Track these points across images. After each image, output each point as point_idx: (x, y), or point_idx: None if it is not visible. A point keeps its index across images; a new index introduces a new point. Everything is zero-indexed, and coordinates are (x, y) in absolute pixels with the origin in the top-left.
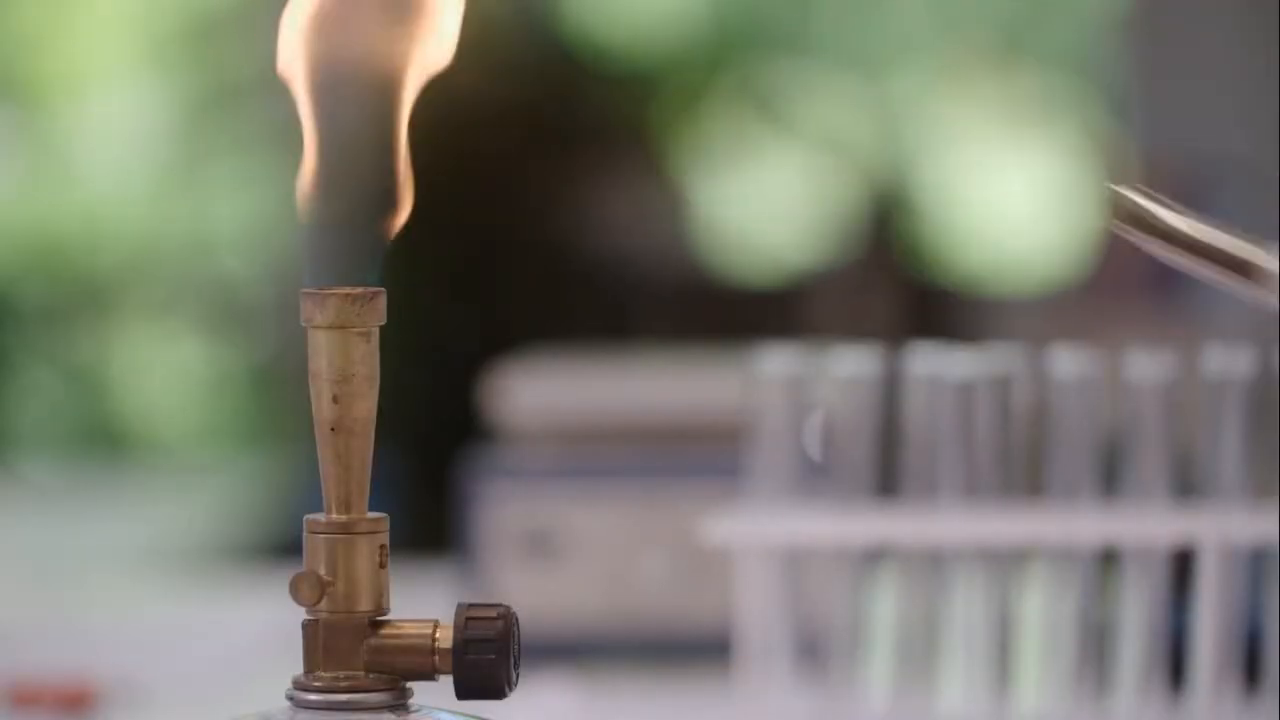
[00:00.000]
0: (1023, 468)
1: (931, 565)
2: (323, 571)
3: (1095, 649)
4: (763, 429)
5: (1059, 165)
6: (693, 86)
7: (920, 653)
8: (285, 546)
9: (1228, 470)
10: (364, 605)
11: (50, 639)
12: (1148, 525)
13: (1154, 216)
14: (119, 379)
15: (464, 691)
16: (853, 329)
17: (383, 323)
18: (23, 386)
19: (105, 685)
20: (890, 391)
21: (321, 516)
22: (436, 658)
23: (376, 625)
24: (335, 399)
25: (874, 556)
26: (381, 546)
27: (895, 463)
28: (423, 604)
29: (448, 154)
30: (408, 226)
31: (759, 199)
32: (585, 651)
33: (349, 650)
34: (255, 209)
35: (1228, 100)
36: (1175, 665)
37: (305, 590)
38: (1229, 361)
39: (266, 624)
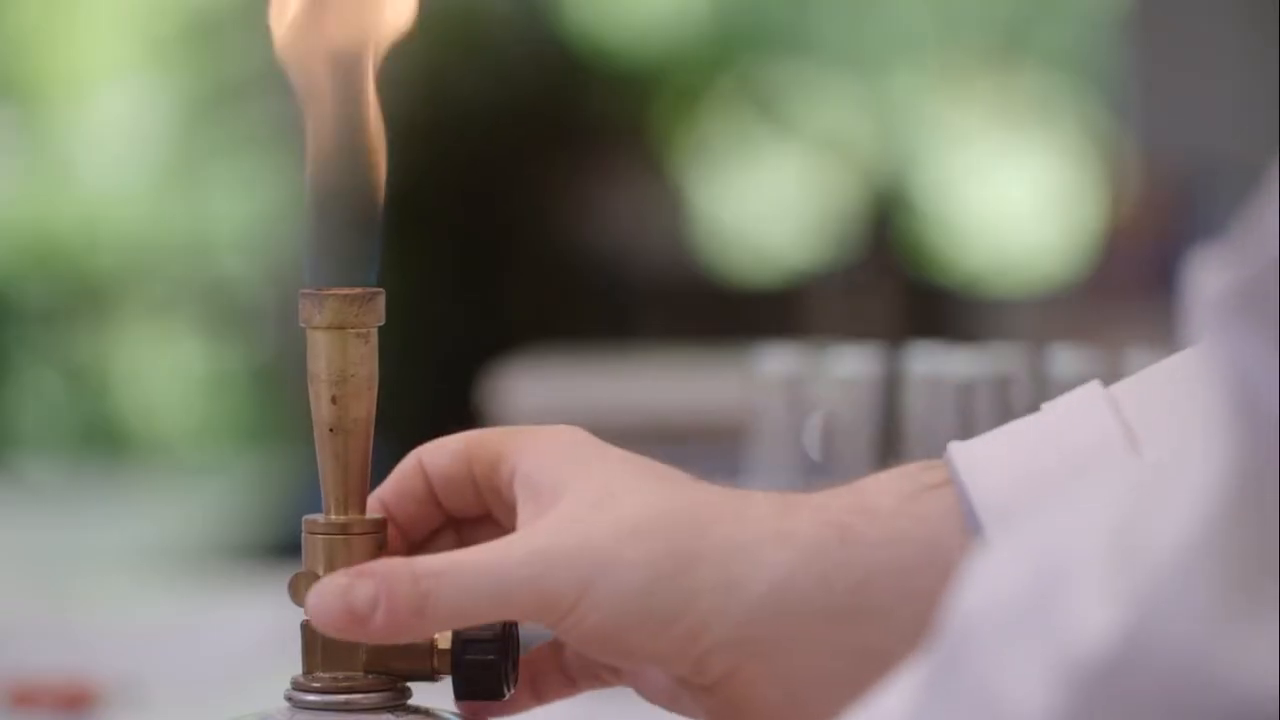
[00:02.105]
0: None
1: None
2: (321, 572)
3: None
4: (763, 429)
5: (1059, 165)
6: (693, 86)
7: None
8: (285, 546)
9: None
10: None
11: (50, 639)
12: None
13: None
14: (119, 379)
15: (463, 692)
16: (853, 329)
17: (381, 323)
18: (23, 386)
19: (105, 685)
20: (890, 391)
21: (320, 517)
22: (436, 658)
23: None
24: (334, 399)
25: None
26: (381, 547)
27: (895, 463)
28: None
29: (448, 154)
30: (408, 226)
31: (759, 199)
32: None
33: (348, 651)
34: (255, 209)
35: (1227, 100)
36: None
37: (303, 590)
38: None
39: (266, 624)
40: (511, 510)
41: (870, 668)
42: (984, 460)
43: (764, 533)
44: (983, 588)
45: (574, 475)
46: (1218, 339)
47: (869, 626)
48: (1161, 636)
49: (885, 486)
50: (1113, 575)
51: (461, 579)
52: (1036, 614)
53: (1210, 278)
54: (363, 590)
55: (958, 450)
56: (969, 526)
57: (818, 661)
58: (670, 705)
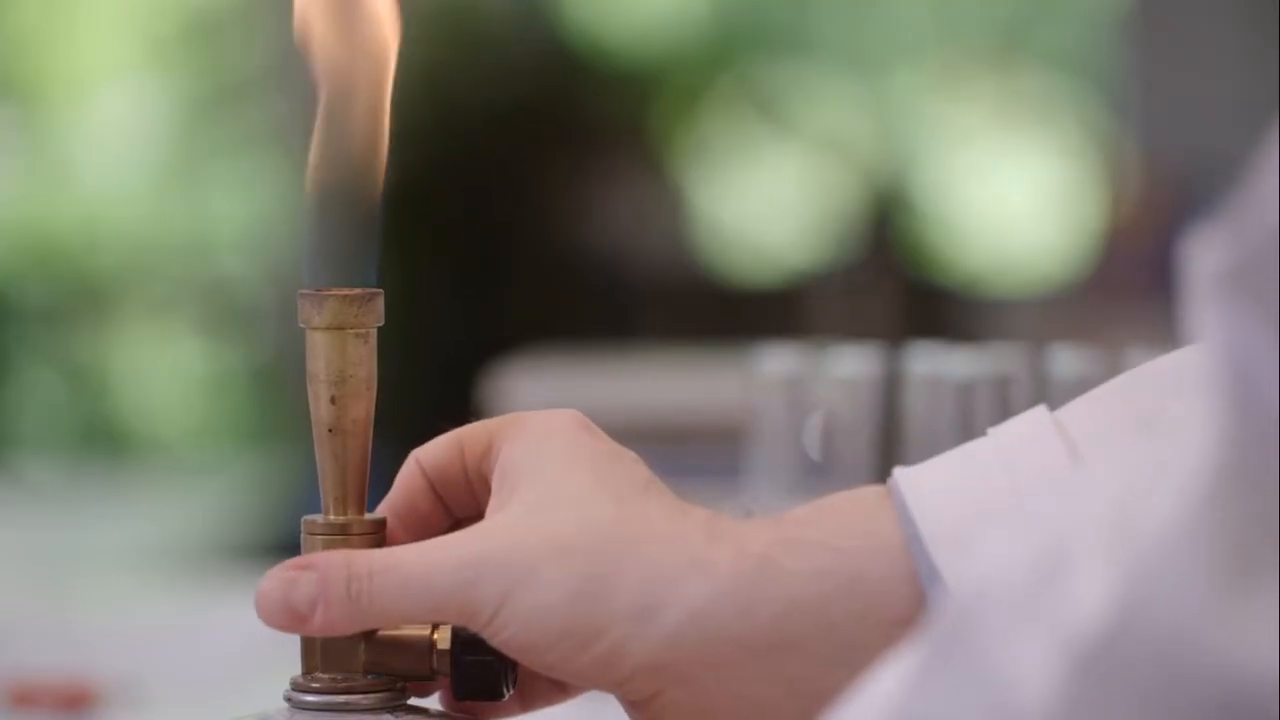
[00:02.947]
0: None
1: None
2: None
3: None
4: (763, 429)
5: (1059, 165)
6: (693, 86)
7: None
8: (285, 546)
9: None
10: None
11: (50, 639)
12: None
13: None
14: (119, 379)
15: (462, 692)
16: (853, 329)
17: (381, 324)
18: (23, 386)
19: (105, 685)
20: (890, 391)
21: (319, 517)
22: (435, 659)
23: None
24: (333, 400)
25: None
26: (379, 548)
27: (895, 463)
28: None
29: (448, 154)
30: (408, 226)
31: (759, 199)
32: None
33: (347, 651)
34: (255, 209)
35: (1227, 100)
36: None
37: None
38: None
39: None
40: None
41: (794, 694)
42: (930, 489)
43: (686, 560)
44: (983, 569)
45: (530, 475)
46: (1213, 318)
47: (790, 656)
48: (1154, 614)
49: (811, 517)
50: (1110, 554)
51: (395, 582)
52: (1039, 594)
53: (1206, 257)
54: (304, 588)
55: (903, 477)
56: (912, 554)
57: (740, 689)
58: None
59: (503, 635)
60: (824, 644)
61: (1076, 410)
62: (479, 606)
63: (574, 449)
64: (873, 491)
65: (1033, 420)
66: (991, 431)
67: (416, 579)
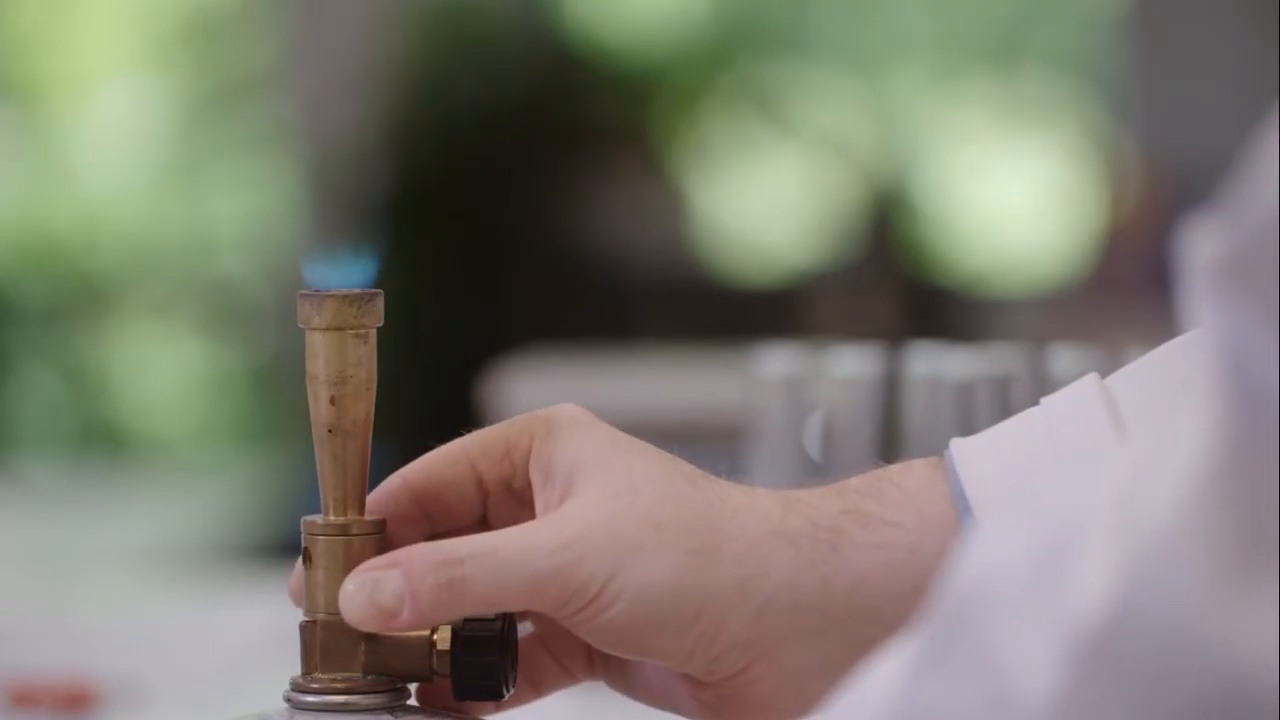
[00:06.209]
0: None
1: None
2: (321, 575)
3: None
4: (763, 429)
5: (1059, 165)
6: (693, 86)
7: None
8: (285, 546)
9: None
10: None
11: (50, 639)
12: None
13: None
14: (119, 379)
15: (462, 692)
16: (853, 329)
17: (380, 324)
18: (23, 386)
19: (105, 685)
20: (890, 391)
21: (319, 518)
22: (435, 659)
23: None
24: (333, 400)
25: None
26: (380, 548)
27: (895, 462)
28: None
29: (448, 154)
30: (408, 226)
31: (759, 199)
32: None
33: (347, 652)
34: (255, 209)
35: (1227, 100)
36: None
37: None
38: None
39: (266, 624)
40: (514, 504)
41: (868, 658)
42: (981, 462)
43: (771, 530)
44: (985, 558)
45: (592, 464)
46: (1209, 308)
47: (864, 624)
48: (1155, 604)
49: (871, 489)
50: (1111, 544)
51: (491, 567)
52: (1040, 584)
53: (1202, 247)
54: (389, 585)
55: (958, 448)
56: (962, 524)
57: (823, 657)
58: (658, 700)
59: (607, 614)
60: (893, 614)
61: (1126, 379)
62: (583, 584)
63: (615, 438)
64: (928, 463)
65: (1083, 390)
66: (1044, 401)
67: (514, 562)
